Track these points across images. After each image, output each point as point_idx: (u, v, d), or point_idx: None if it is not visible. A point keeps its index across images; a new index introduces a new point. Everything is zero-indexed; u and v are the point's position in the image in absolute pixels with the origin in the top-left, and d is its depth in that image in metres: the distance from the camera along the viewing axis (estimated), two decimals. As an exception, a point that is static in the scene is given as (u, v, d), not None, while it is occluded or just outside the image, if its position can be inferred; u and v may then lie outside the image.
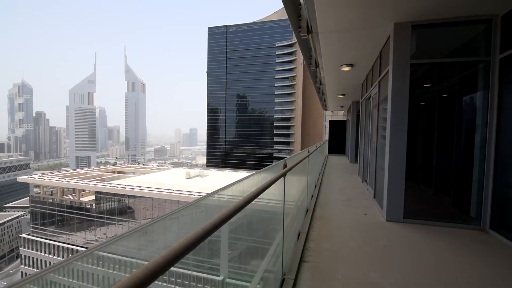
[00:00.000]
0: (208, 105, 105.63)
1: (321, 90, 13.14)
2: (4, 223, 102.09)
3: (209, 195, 1.50)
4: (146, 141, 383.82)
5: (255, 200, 1.58)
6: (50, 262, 54.10)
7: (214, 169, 77.77)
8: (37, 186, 55.83)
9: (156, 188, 44.88)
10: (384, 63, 6.15)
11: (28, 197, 60.14)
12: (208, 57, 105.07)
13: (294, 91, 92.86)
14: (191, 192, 42.36)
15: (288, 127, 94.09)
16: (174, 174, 60.77)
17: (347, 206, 6.20)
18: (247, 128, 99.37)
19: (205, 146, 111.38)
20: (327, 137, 22.39)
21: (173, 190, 43.76)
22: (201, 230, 0.90)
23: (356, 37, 5.81)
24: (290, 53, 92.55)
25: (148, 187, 45.57)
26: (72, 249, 52.14)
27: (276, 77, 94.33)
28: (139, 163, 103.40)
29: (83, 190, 52.43)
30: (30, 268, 56.82)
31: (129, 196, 46.74)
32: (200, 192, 41.91)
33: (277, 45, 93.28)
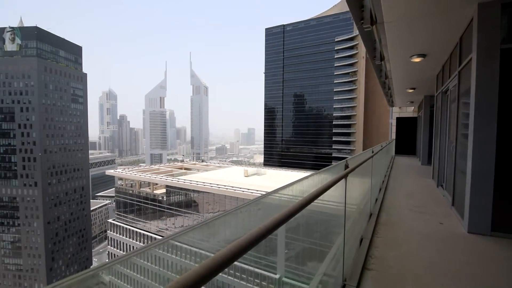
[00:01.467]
0: (265, 105, 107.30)
1: (387, 85, 12.08)
2: (96, 209, 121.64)
3: (269, 193, 1.53)
4: (209, 140, 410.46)
5: (315, 201, 1.59)
6: (129, 245, 62.35)
7: (271, 168, 78.69)
8: (120, 179, 64.79)
9: (217, 185, 47.60)
10: (466, 51, 5.32)
11: (114, 188, 70.32)
12: (265, 58, 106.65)
13: (355, 87, 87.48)
14: (249, 189, 43.68)
15: (348, 126, 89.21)
16: (233, 172, 63.55)
17: (417, 212, 5.57)
18: (304, 127, 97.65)
19: (262, 145, 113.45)
20: (393, 136, 20.48)
21: (233, 187, 45.80)
22: (263, 227, 0.95)
23: (430, 23, 5.16)
24: (351, 47, 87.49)
25: (210, 183, 48.61)
26: (147, 235, 59.08)
27: (335, 73, 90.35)
28: (202, 161, 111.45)
29: (156, 184, 58.83)
30: (114, 249, 66.40)
31: (194, 191, 50.64)
32: (258, 190, 42.91)
33: (336, 39, 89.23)
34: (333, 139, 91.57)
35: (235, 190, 44.63)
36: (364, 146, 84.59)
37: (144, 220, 60.16)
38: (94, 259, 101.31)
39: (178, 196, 53.67)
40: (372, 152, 5.19)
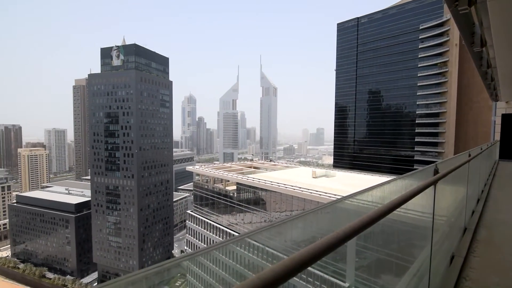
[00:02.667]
0: (336, 103, 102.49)
1: (490, 75, 10.03)
2: (177, 200, 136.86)
3: (345, 198, 1.51)
4: (277, 140, 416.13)
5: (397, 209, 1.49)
6: (204, 236, 68.09)
7: (341, 170, 74.70)
8: (198, 174, 71.38)
9: (285, 184, 47.77)
10: None
11: (192, 183, 77.97)
12: (337, 54, 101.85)
13: (445, 79, 75.51)
14: (317, 191, 42.45)
15: (435, 125, 77.67)
16: (301, 173, 62.76)
17: (534, 232, 4.44)
18: (381, 126, 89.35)
19: (332, 146, 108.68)
20: (497, 137, 16.88)
21: (300, 188, 45.25)
22: (341, 232, 0.92)
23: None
24: (439, 35, 75.94)
25: (278, 183, 49.12)
26: (219, 228, 63.52)
27: (419, 65, 79.84)
28: (270, 160, 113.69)
29: (228, 181, 62.73)
30: (191, 238, 73.53)
31: (262, 189, 52.04)
32: (326, 193, 41.34)
33: (421, 27, 78.78)
34: (416, 140, 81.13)
35: (302, 191, 44.00)
36: (456, 148, 72.30)
37: (217, 214, 64.88)
38: (175, 245, 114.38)
39: (247, 193, 56.03)
40: (469, 155, 4.37)
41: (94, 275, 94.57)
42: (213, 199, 65.12)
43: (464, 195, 4.24)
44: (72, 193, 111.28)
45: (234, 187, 59.57)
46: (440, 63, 76.46)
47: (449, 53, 74.68)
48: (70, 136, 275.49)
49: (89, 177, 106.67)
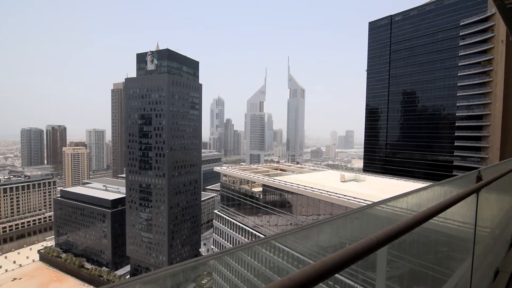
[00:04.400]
0: (367, 105, 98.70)
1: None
2: (205, 200, 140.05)
3: (376, 203, 1.45)
4: (304, 143, 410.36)
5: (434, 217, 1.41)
6: (230, 236, 68.93)
7: (372, 174, 71.65)
8: (225, 175, 72.55)
9: (312, 188, 46.89)
10: None
11: (219, 183, 79.42)
12: (368, 54, 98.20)
13: (490, 79, 69.44)
14: (345, 196, 41.13)
15: (478, 128, 71.65)
16: (328, 176, 61.23)
17: None
18: (415, 129, 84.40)
19: (362, 149, 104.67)
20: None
21: (328, 191, 44.15)
22: (375, 238, 0.88)
23: None
24: (483, 31, 70.12)
25: (305, 186, 48.36)
26: (245, 229, 63.93)
27: (459, 64, 74.30)
28: (297, 163, 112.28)
29: (254, 182, 63.02)
30: (218, 237, 74.80)
31: (288, 191, 51.56)
32: (355, 198, 39.91)
33: (462, 23, 73.33)
34: (456, 144, 75.46)
35: (330, 195, 42.89)
36: (502, 154, 65.90)
37: (243, 215, 65.41)
38: (202, 243, 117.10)
39: (273, 195, 55.83)
40: (518, 161, 3.97)
41: (127, 268, 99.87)
42: (240, 200, 65.76)
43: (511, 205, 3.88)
44: (109, 189, 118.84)
45: (260, 189, 59.68)
46: (484, 61, 70.55)
47: (494, 50, 68.64)
48: (108, 136, 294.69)
49: (124, 175, 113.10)
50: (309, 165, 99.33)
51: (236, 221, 66.65)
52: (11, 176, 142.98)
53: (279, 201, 54.45)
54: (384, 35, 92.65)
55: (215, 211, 78.60)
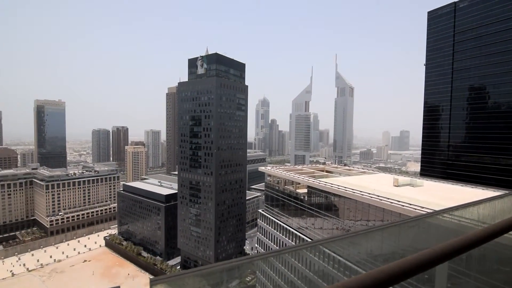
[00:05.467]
0: (425, 103, 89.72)
1: None
2: (250, 199, 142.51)
3: (438, 212, 1.31)
4: (352, 144, 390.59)
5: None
6: (273, 236, 69.01)
7: (430, 179, 64.90)
8: (269, 175, 72.93)
9: (361, 191, 44.41)
10: None
11: (264, 183, 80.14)
12: (427, 46, 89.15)
13: None
14: (399, 202, 38.02)
15: None
16: (380, 179, 57.30)
17: None
18: (485, 129, 73.97)
19: (420, 151, 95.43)
20: None
21: (378, 196, 41.34)
22: (439, 249, 0.79)
23: None
24: None
25: (353, 189, 46.03)
26: (288, 230, 63.39)
27: (545, 53, 62.96)
28: (344, 165, 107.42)
29: (299, 183, 62.13)
30: (262, 236, 75.48)
31: (334, 194, 49.66)
32: (410, 204, 36.64)
33: (550, 4, 61.95)
34: (539, 147, 64.24)
35: (381, 200, 40.07)
36: None
37: (287, 215, 64.96)
38: (247, 241, 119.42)
39: (318, 197, 54.30)
40: None
41: (178, 259, 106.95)
42: (284, 200, 65.45)
43: None
44: (163, 185, 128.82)
45: (305, 190, 58.56)
46: None
47: None
48: (163, 136, 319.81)
49: (176, 172, 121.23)
50: (357, 167, 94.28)
51: (280, 221, 66.48)
52: (84, 171, 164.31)
53: (324, 203, 52.76)
54: (446, 24, 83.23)
55: (260, 210, 79.49)
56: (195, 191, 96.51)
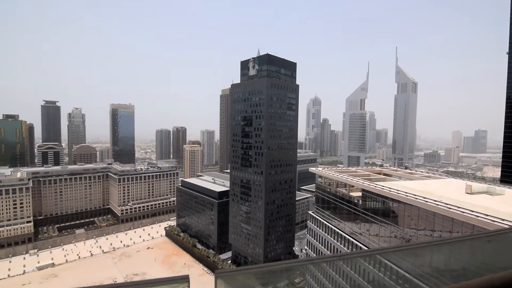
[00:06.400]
0: (508, 98, 76.67)
1: None
2: (299, 200, 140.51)
3: None
4: (415, 145, 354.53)
5: None
6: (324, 239, 66.81)
7: (515, 187, 55.14)
8: (320, 176, 70.85)
9: (424, 198, 40.13)
10: None
11: (314, 184, 78.17)
12: (511, 32, 76.04)
13: None
14: (472, 211, 33.26)
15: None
16: (448, 185, 50.94)
17: None
18: None
19: (500, 154, 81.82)
20: None
21: (446, 204, 36.78)
22: None
23: None
24: None
25: (415, 195, 41.87)
26: (340, 234, 60.66)
27: None
28: (405, 168, 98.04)
29: (352, 186, 58.97)
30: (312, 238, 73.73)
31: (393, 199, 45.84)
32: (487, 215, 31.76)
33: None
34: None
35: (450, 208, 35.59)
36: None
37: (339, 219, 62.25)
38: (296, 242, 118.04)
39: (374, 202, 50.76)
40: None
41: (229, 253, 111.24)
42: (336, 203, 62.88)
43: None
44: (216, 182, 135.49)
45: (359, 194, 55.32)
46: None
47: None
48: (217, 136, 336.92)
49: (229, 170, 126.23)
50: (421, 171, 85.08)
51: (332, 225, 64.05)
52: (149, 167, 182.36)
53: (381, 209, 49.06)
54: (541, 4, 69.70)
55: (310, 212, 77.82)
56: (245, 189, 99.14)
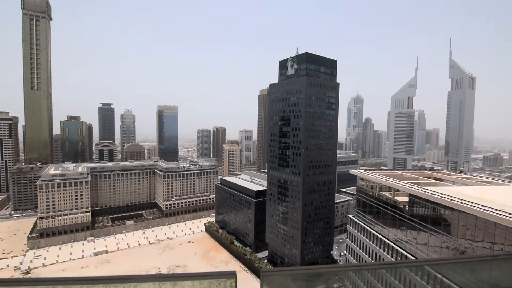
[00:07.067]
0: None
1: None
2: (339, 202, 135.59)
3: None
4: (472, 147, 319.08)
5: None
6: (365, 245, 63.53)
7: None
8: (362, 179, 67.51)
9: (483, 206, 35.94)
10: None
11: (355, 187, 74.75)
12: None
13: None
14: (546, 224, 28.88)
15: None
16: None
17: None
18: None
19: None
20: None
21: (510, 213, 32.47)
22: None
23: None
24: None
25: (472, 202, 37.72)
26: (384, 241, 57.10)
27: None
28: (460, 172, 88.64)
29: (398, 190, 55.15)
30: (352, 243, 70.62)
31: (445, 206, 41.86)
32: None
33: None
34: None
35: (516, 219, 31.37)
36: None
37: (382, 225, 58.70)
38: (335, 246, 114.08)
39: (423, 208, 46.86)
40: None
41: (266, 252, 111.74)
42: (379, 208, 59.40)
43: None
44: (254, 181, 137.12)
45: (406, 199, 51.53)
46: None
47: None
48: (255, 136, 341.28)
49: (266, 170, 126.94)
50: (479, 176, 76.19)
51: (374, 230, 60.67)
52: (191, 165, 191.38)
53: (431, 216, 45.07)
54: None
55: (350, 215, 74.63)
56: (283, 189, 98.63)
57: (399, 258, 51.10)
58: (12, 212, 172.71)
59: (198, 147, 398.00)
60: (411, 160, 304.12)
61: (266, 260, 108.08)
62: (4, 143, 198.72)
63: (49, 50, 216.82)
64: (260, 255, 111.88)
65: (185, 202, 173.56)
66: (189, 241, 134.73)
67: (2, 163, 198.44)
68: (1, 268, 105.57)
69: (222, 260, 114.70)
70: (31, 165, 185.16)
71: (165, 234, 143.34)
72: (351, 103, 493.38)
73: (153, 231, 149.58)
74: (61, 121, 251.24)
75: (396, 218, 53.36)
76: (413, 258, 47.67)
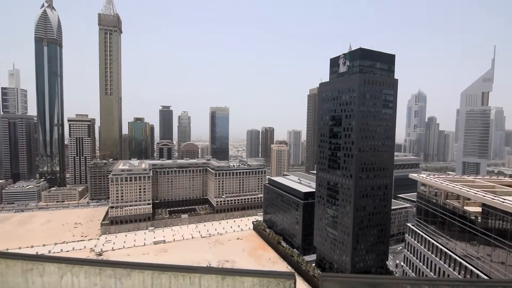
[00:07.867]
0: None
1: None
2: (396, 209, 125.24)
3: None
4: None
5: None
6: (427, 258, 57.42)
7: None
8: (424, 184, 61.24)
9: None
10: None
11: (416, 193, 68.14)
12: None
13: None
14: None
15: None
16: None
17: None
18: None
19: None
20: None
21: None
22: None
23: None
24: None
25: None
26: (449, 255, 50.89)
27: None
28: (553, 181, 73.67)
29: (468, 199, 48.70)
30: (410, 254, 64.56)
31: (531, 221, 35.57)
32: None
33: None
34: None
35: None
36: None
37: (447, 237, 52.46)
38: (390, 256, 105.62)
39: (501, 221, 40.50)
40: None
41: (314, 256, 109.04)
42: (444, 217, 53.22)
43: None
44: (302, 183, 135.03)
45: (479, 209, 45.19)
46: None
47: None
48: (304, 136, 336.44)
49: (315, 172, 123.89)
50: None
51: (437, 242, 54.58)
52: (240, 164, 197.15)
53: (511, 231, 38.69)
54: None
55: (409, 224, 68.39)
56: (332, 192, 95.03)
57: (468, 276, 45.01)
58: (90, 201, 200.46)
59: (247, 147, 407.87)
60: (486, 165, 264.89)
61: (314, 264, 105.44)
62: (84, 141, 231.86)
63: (119, 60, 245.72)
64: (308, 258, 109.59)
65: (234, 199, 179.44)
66: (238, 238, 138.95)
67: (82, 158, 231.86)
68: (80, 249, 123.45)
69: (269, 260, 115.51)
70: (105, 161, 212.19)
71: (215, 229, 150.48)
72: (412, 100, 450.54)
73: (204, 225, 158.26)
74: (128, 122, 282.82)
75: (466, 230, 47.15)
76: (485, 277, 41.51)
